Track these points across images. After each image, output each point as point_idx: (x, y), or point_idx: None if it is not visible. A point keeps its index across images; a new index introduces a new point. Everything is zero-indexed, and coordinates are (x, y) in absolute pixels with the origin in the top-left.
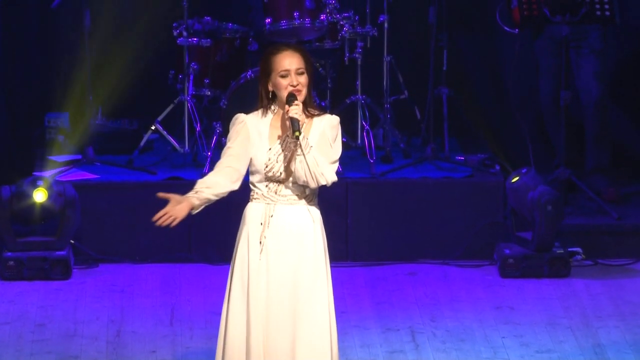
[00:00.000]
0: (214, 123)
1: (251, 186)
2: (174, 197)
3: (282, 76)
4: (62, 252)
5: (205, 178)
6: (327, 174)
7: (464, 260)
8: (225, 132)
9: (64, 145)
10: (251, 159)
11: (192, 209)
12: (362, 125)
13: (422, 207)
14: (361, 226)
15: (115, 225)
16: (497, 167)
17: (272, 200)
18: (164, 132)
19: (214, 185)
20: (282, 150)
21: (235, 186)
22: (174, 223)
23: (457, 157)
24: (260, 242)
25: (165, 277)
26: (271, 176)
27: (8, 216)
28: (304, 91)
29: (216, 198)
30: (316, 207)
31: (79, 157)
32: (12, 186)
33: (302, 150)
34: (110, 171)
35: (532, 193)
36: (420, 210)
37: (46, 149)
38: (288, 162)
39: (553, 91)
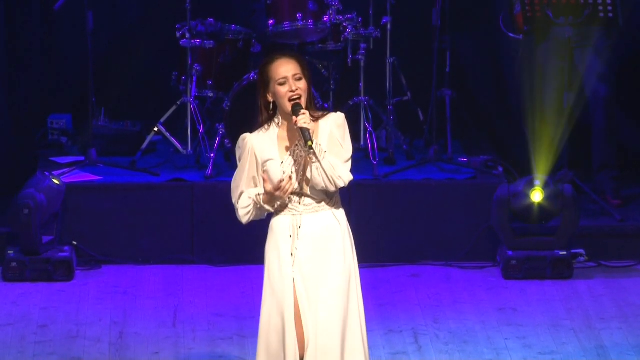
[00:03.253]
0: (217, 125)
1: None
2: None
3: (281, 84)
4: (64, 254)
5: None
6: (344, 176)
7: (466, 262)
8: (228, 134)
9: (67, 146)
10: (268, 176)
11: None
12: (365, 127)
13: (424, 208)
14: (364, 228)
15: (118, 226)
16: (500, 169)
17: (297, 211)
18: (167, 134)
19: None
20: (295, 161)
21: None
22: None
23: (460, 159)
24: (292, 254)
25: (168, 278)
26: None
27: (40, 221)
28: (305, 96)
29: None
30: (340, 208)
31: (82, 158)
32: (41, 193)
33: (317, 158)
34: (113, 173)
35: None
36: (423, 212)
37: (49, 151)
38: (303, 171)
39: (556, 93)
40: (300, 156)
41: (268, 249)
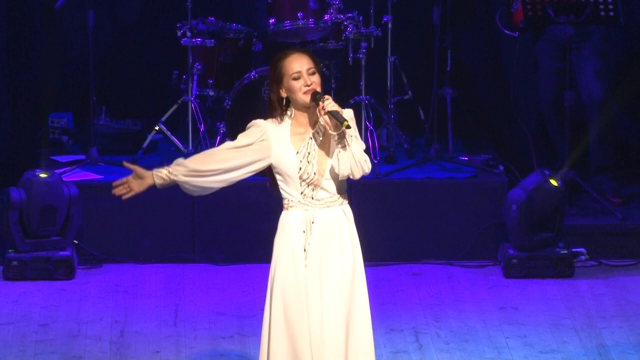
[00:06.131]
0: (218, 123)
1: (284, 194)
2: (137, 169)
3: (295, 78)
4: (65, 252)
5: (189, 161)
6: (368, 162)
7: (467, 261)
8: (229, 133)
9: (68, 145)
10: (281, 168)
11: (154, 185)
12: (366, 126)
13: (425, 207)
14: (365, 226)
15: (119, 225)
16: (501, 168)
17: (309, 206)
18: (168, 133)
19: (192, 171)
20: (309, 153)
21: (217, 181)
22: (127, 195)
23: (461, 158)
24: (305, 250)
25: (169, 277)
26: (306, 178)
27: (17, 217)
28: (319, 90)
29: (188, 183)
30: (348, 204)
31: (83, 157)
32: (20, 188)
33: (346, 141)
34: (114, 171)
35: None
36: (424, 211)
37: (50, 149)
38: (319, 161)
39: (552, 93)
40: (314, 149)
41: (279, 244)
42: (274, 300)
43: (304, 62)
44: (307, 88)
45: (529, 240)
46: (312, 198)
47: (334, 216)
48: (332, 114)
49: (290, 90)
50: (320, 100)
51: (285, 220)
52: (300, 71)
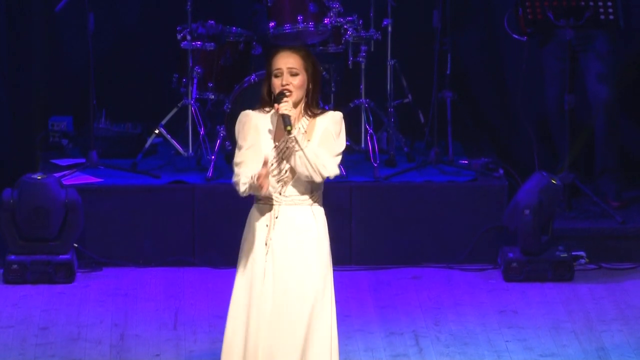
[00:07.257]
0: (218, 127)
1: None
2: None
3: (276, 76)
4: (65, 256)
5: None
6: (329, 166)
7: (467, 264)
8: (229, 136)
9: (68, 148)
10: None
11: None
12: (366, 129)
13: (425, 210)
14: (365, 230)
15: (119, 228)
16: (501, 171)
17: (277, 201)
18: (168, 136)
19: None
20: (282, 150)
21: None
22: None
23: (460, 161)
24: (266, 244)
25: (169, 280)
26: (277, 174)
27: (11, 218)
28: (297, 93)
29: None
30: (320, 206)
31: (83, 160)
32: (15, 189)
33: (299, 145)
34: (114, 175)
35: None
36: (424, 214)
37: (50, 153)
38: (288, 159)
39: (559, 96)
40: (284, 145)
41: (243, 237)
42: (235, 294)
43: (290, 61)
44: (282, 88)
45: (539, 244)
46: (280, 194)
47: (300, 215)
48: (282, 117)
49: (272, 86)
50: (278, 102)
51: (252, 214)
52: (280, 69)
